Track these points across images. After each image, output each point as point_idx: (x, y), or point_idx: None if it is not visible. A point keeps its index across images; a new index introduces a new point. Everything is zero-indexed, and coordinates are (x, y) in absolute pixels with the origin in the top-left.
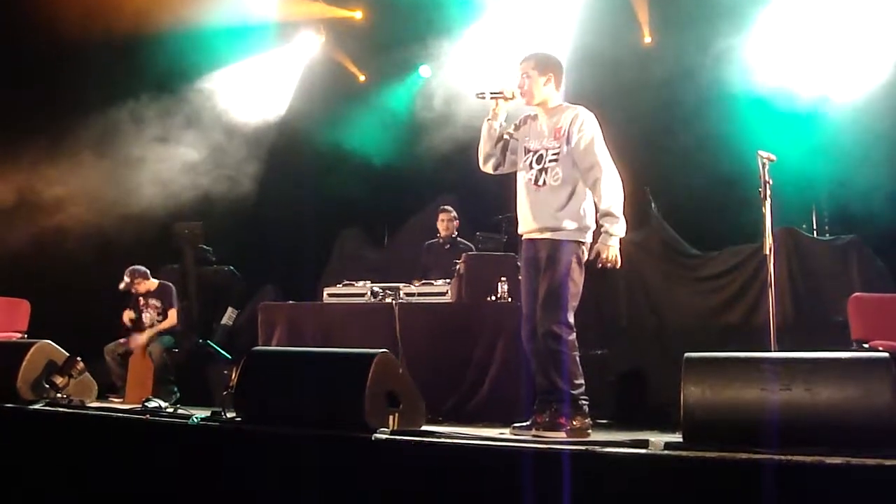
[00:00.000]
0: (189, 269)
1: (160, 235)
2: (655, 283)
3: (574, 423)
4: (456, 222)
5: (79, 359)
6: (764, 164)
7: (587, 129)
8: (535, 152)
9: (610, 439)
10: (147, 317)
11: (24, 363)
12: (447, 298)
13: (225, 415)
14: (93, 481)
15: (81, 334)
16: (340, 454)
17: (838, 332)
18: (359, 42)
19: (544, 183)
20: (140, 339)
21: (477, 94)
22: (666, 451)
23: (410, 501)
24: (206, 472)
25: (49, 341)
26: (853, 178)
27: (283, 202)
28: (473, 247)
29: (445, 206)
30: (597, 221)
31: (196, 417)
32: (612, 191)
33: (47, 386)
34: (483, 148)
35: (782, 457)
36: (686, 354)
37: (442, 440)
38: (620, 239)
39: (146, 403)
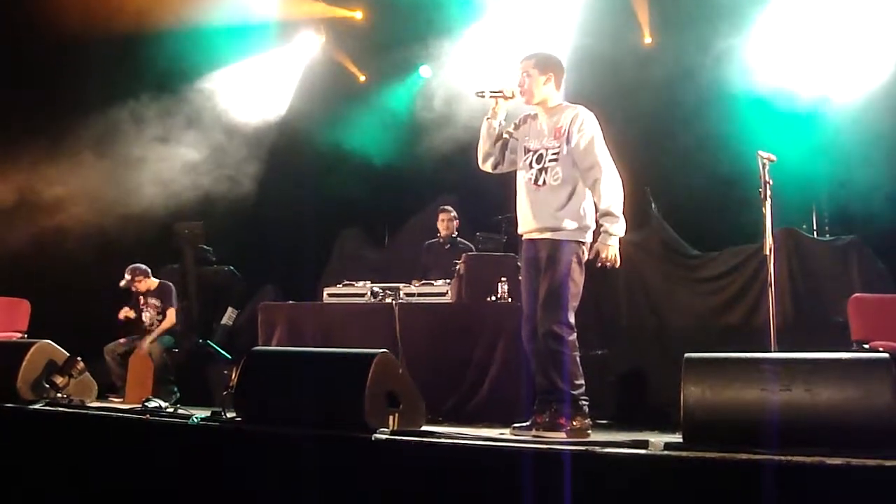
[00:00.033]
0: (189, 269)
1: (160, 235)
2: (655, 283)
3: (574, 423)
4: (456, 222)
5: (79, 359)
6: (764, 165)
7: (587, 128)
8: (535, 152)
9: (610, 440)
10: (147, 316)
11: (24, 363)
12: (447, 299)
13: (225, 415)
14: (93, 481)
15: (81, 334)
16: (340, 454)
17: (838, 333)
18: (359, 42)
19: (544, 182)
20: (143, 346)
21: (477, 93)
22: (666, 452)
23: (410, 502)
24: (206, 473)
25: (49, 341)
26: (853, 178)
27: (284, 202)
28: (473, 247)
29: (445, 206)
30: (597, 221)
31: (196, 417)
32: (611, 190)
33: (47, 386)
34: (482, 146)
35: (782, 457)
36: (686, 355)
37: (442, 440)
38: (620, 239)
39: (146, 403)
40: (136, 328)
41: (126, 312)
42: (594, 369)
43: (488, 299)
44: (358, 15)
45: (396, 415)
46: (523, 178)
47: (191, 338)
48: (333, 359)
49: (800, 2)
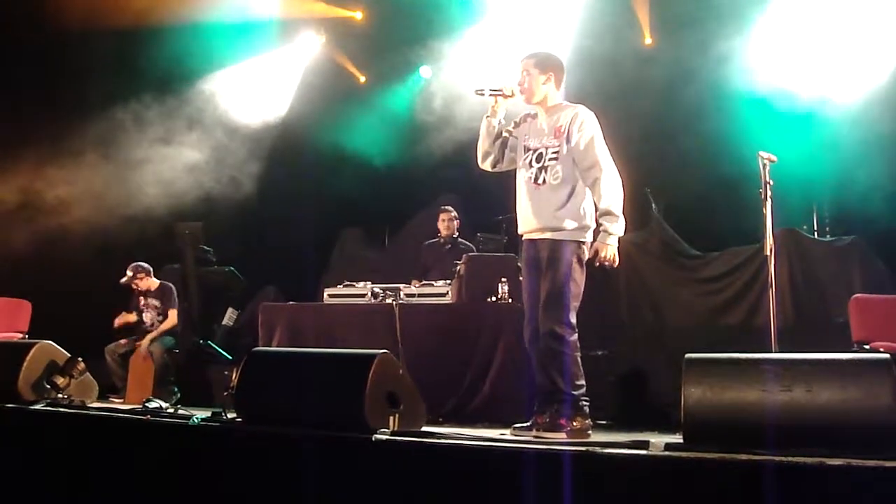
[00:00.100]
0: (189, 269)
1: (161, 236)
2: (656, 283)
3: (575, 423)
4: (456, 222)
5: (80, 359)
6: (765, 165)
7: (587, 128)
8: (535, 151)
9: (610, 440)
10: (147, 317)
11: (25, 363)
12: (447, 299)
13: (225, 415)
14: (94, 481)
15: (82, 335)
16: (341, 455)
17: (839, 334)
18: (359, 43)
19: (544, 181)
20: (143, 344)
21: (476, 91)
22: (666, 453)
23: (411, 502)
24: (206, 473)
25: (50, 342)
26: (854, 179)
27: (284, 203)
28: (474, 247)
29: (446, 206)
30: (596, 220)
31: (196, 418)
32: (611, 190)
33: (48, 386)
34: (482, 145)
35: (783, 458)
36: (686, 355)
37: (442, 441)
38: (619, 238)
39: (147, 404)
40: (136, 329)
41: (123, 319)
42: (594, 370)
43: (489, 300)
44: (358, 15)
45: (397, 415)
46: (523, 177)
47: (191, 338)
48: (334, 359)
49: (800, 2)
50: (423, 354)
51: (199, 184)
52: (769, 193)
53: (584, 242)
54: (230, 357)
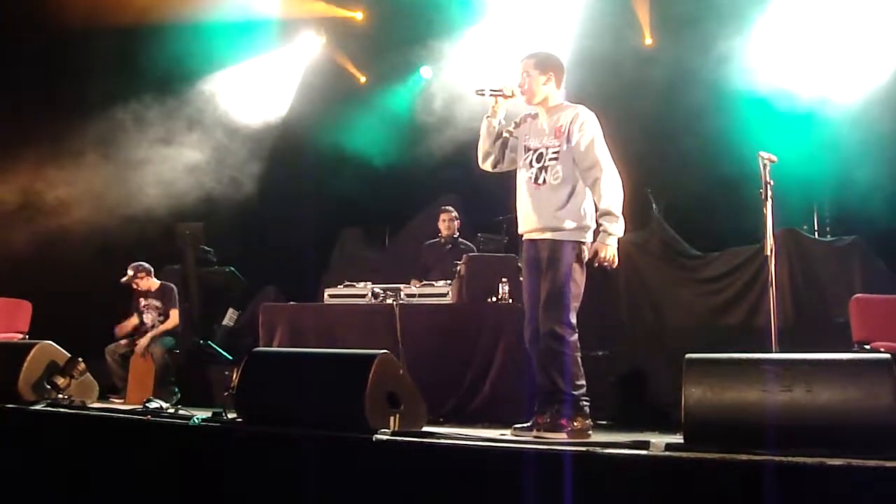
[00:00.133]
0: (190, 269)
1: (161, 236)
2: (656, 283)
3: (575, 424)
4: (457, 222)
5: (80, 359)
6: (765, 166)
7: (588, 128)
8: (535, 150)
9: (611, 440)
10: (148, 318)
11: (25, 364)
12: (448, 299)
13: (226, 416)
14: (94, 482)
15: (83, 335)
16: (341, 455)
17: (840, 334)
18: (359, 43)
19: (544, 181)
20: (142, 342)
21: (476, 91)
22: (667, 453)
23: (412, 502)
24: (207, 473)
25: (50, 342)
26: (854, 179)
27: (285, 203)
28: (474, 247)
29: (447, 206)
30: (596, 221)
31: (197, 418)
32: (611, 190)
33: (49, 387)
34: (482, 145)
35: (783, 458)
36: (687, 355)
37: (443, 441)
38: (619, 239)
39: (147, 404)
40: (138, 330)
41: (123, 329)
42: (595, 370)
43: (489, 300)
44: (358, 16)
45: (397, 415)
46: (523, 177)
47: (192, 339)
48: (334, 360)
49: (800, 2)
50: (424, 354)
51: (200, 184)
52: (769, 193)
53: (584, 242)
54: (230, 357)
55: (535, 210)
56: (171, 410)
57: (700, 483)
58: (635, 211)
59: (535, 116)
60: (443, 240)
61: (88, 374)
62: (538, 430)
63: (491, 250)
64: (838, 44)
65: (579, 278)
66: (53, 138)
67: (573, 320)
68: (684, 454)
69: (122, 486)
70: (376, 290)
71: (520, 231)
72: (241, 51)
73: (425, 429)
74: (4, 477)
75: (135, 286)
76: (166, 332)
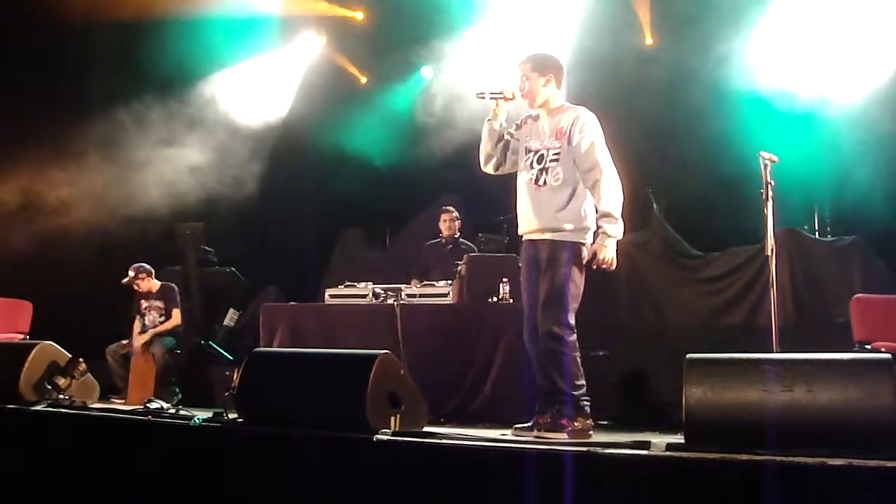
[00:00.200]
0: (191, 270)
1: (162, 237)
2: (657, 283)
3: (576, 424)
4: (458, 222)
5: (81, 360)
6: (766, 166)
7: (588, 130)
8: (536, 152)
9: (612, 440)
10: (149, 319)
11: (26, 364)
12: (449, 299)
13: (227, 416)
14: (95, 482)
15: (83, 335)
16: (342, 455)
17: (840, 334)
18: (360, 44)
19: (545, 183)
20: (142, 338)
21: (477, 95)
22: (667, 453)
23: (412, 503)
24: (207, 474)
25: (51, 342)
26: (854, 179)
27: (285, 203)
28: (475, 247)
29: (447, 207)
30: (596, 222)
31: (198, 418)
32: (611, 192)
33: (49, 387)
34: (484, 148)
35: (784, 458)
36: (688, 355)
37: (444, 441)
38: (618, 241)
39: (148, 404)
40: (141, 331)
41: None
42: (595, 370)
43: (490, 300)
44: (359, 16)
45: (398, 416)
46: (524, 179)
47: (193, 339)
48: (335, 360)
49: (800, 2)
50: (425, 355)
51: (200, 184)
52: (770, 193)
53: (583, 244)
54: (231, 357)
55: (535, 211)
56: (172, 411)
57: (701, 483)
58: (636, 211)
59: (535, 118)
60: (443, 240)
61: (89, 374)
62: (539, 431)
63: (492, 250)
64: (838, 44)
65: (578, 279)
66: (54, 138)
67: (572, 321)
68: (685, 454)
69: (122, 487)
70: (377, 290)
71: (520, 232)
72: (242, 50)
73: (426, 429)
74: (5, 477)
75: (136, 287)
76: (168, 332)
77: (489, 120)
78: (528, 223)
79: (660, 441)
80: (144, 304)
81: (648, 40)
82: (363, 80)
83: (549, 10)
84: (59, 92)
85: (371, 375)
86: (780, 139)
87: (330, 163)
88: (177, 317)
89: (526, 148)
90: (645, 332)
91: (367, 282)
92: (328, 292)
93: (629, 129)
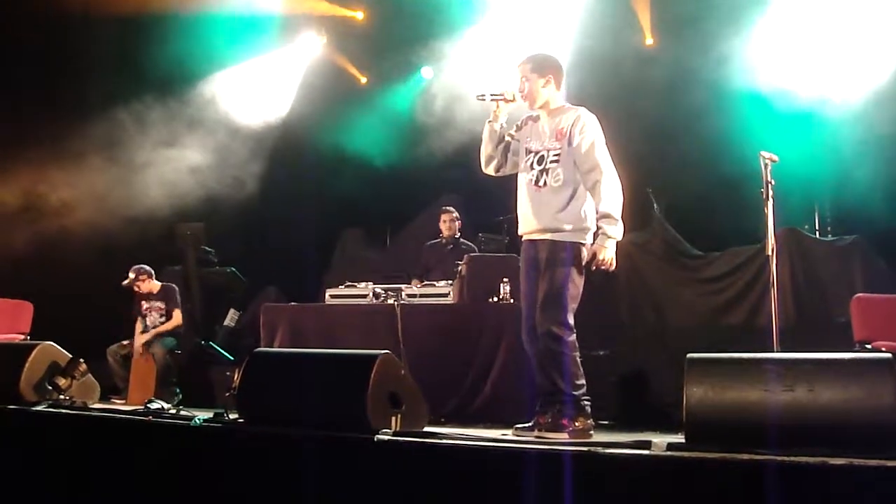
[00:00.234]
0: (191, 270)
1: (163, 237)
2: (657, 283)
3: (576, 424)
4: (458, 223)
5: (81, 360)
6: (766, 165)
7: (588, 131)
8: (537, 153)
9: (612, 440)
10: (150, 320)
11: (27, 365)
12: (449, 299)
13: (227, 416)
14: (95, 483)
15: (84, 336)
16: (343, 456)
17: (841, 333)
18: (360, 44)
19: (545, 184)
20: (143, 337)
21: (477, 97)
22: (668, 452)
23: (413, 503)
24: (208, 474)
25: (52, 343)
26: (855, 178)
27: (286, 203)
28: (476, 247)
29: (447, 207)
30: (596, 223)
31: (198, 419)
32: (611, 193)
33: (50, 387)
34: (485, 150)
35: (785, 458)
36: (688, 355)
37: (444, 441)
38: (618, 241)
39: (149, 405)
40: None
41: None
42: (596, 370)
43: (490, 300)
44: (359, 16)
45: (399, 416)
46: (524, 180)
47: (193, 339)
48: (336, 360)
49: (800, 2)
50: (425, 355)
51: (201, 185)
52: (770, 193)
53: (583, 244)
54: (232, 358)
55: (535, 212)
56: (173, 411)
57: (702, 483)
58: (636, 211)
59: (536, 119)
60: (444, 240)
61: (90, 374)
62: (540, 431)
63: (492, 250)
64: (838, 43)
65: (578, 279)
66: (54, 138)
67: (571, 321)
68: (686, 454)
69: (123, 487)
70: (377, 290)
71: (520, 232)
72: (242, 49)
73: (427, 429)
74: (5, 477)
75: (136, 289)
76: (169, 332)
77: (490, 122)
78: (528, 224)
79: (661, 441)
80: (145, 305)
81: (648, 40)
82: (363, 80)
83: (549, 10)
84: (59, 92)
85: (372, 375)
86: (780, 139)
87: (330, 163)
88: (178, 317)
89: (526, 149)
90: (645, 332)
91: (367, 282)
92: (329, 292)
93: (629, 129)
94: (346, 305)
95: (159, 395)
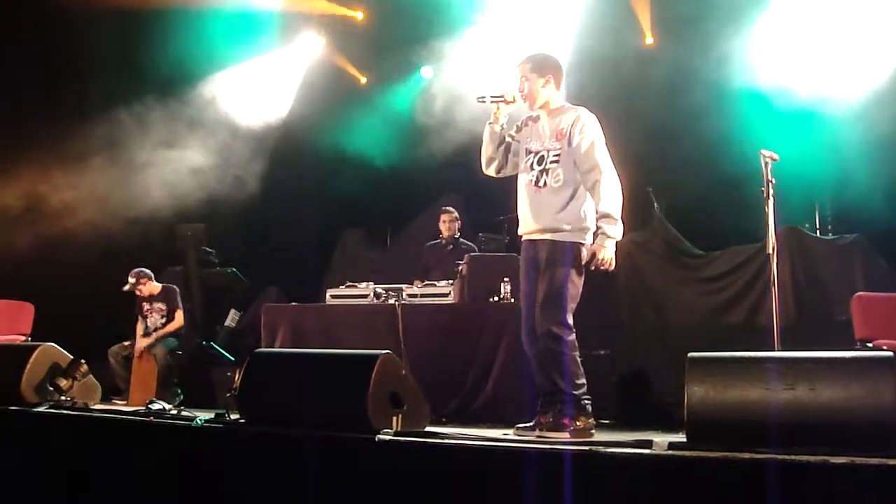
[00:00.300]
0: (192, 271)
1: (163, 238)
2: (658, 283)
3: (577, 423)
4: (458, 223)
5: (83, 361)
6: (767, 164)
7: (588, 131)
8: (537, 153)
9: (613, 439)
10: (151, 322)
11: (28, 366)
12: (450, 299)
13: (228, 416)
14: (97, 483)
15: (85, 337)
16: (344, 456)
17: (841, 332)
18: (360, 44)
19: (545, 184)
20: (145, 340)
21: (478, 98)
22: (670, 451)
23: (414, 503)
24: (210, 474)
25: (53, 344)
26: (856, 177)
27: (286, 204)
28: (476, 247)
29: (447, 207)
30: (595, 223)
31: (200, 419)
32: (610, 193)
33: (51, 388)
34: (485, 151)
35: (786, 456)
36: (689, 354)
37: (445, 441)
38: (618, 241)
39: (150, 405)
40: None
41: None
42: (596, 369)
43: (491, 300)
44: (359, 16)
45: (400, 416)
46: (524, 180)
47: (194, 340)
48: (336, 360)
49: (800, 2)
50: (426, 355)
51: (201, 185)
52: (771, 192)
53: (583, 244)
54: (233, 358)
55: (535, 212)
56: (174, 411)
57: (703, 482)
58: (636, 211)
59: (536, 119)
60: (444, 240)
61: (91, 375)
62: (541, 430)
63: (492, 250)
64: (839, 42)
65: (577, 279)
66: (54, 139)
67: (570, 321)
68: (687, 453)
69: (124, 488)
70: (378, 290)
71: (520, 232)
72: (242, 49)
73: (428, 429)
74: (6, 478)
75: (138, 293)
76: (170, 334)
77: (490, 123)
78: (528, 224)
79: (662, 440)
80: (146, 306)
81: (648, 40)
82: (363, 80)
83: (548, 10)
84: (59, 92)
85: (373, 375)
86: (780, 137)
87: (330, 163)
88: (179, 318)
89: (526, 149)
90: (646, 332)
91: (368, 282)
92: (329, 292)
93: (629, 129)
94: (347, 305)
95: (160, 396)
